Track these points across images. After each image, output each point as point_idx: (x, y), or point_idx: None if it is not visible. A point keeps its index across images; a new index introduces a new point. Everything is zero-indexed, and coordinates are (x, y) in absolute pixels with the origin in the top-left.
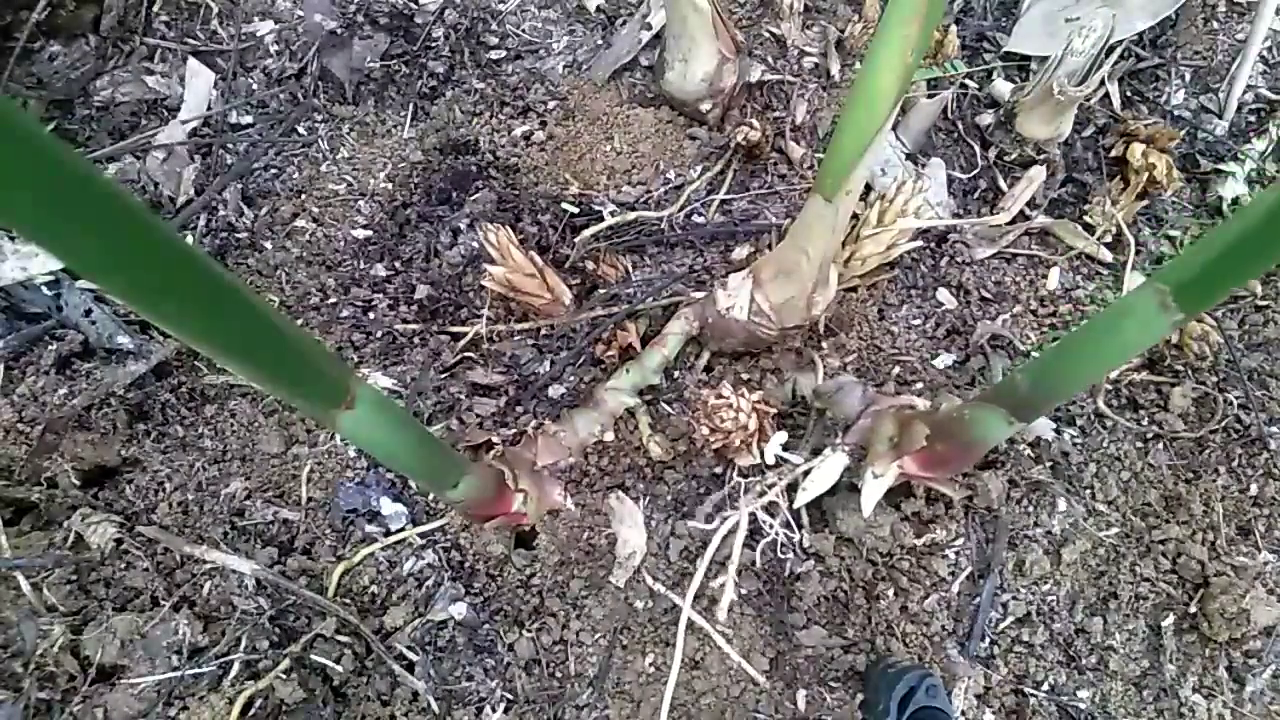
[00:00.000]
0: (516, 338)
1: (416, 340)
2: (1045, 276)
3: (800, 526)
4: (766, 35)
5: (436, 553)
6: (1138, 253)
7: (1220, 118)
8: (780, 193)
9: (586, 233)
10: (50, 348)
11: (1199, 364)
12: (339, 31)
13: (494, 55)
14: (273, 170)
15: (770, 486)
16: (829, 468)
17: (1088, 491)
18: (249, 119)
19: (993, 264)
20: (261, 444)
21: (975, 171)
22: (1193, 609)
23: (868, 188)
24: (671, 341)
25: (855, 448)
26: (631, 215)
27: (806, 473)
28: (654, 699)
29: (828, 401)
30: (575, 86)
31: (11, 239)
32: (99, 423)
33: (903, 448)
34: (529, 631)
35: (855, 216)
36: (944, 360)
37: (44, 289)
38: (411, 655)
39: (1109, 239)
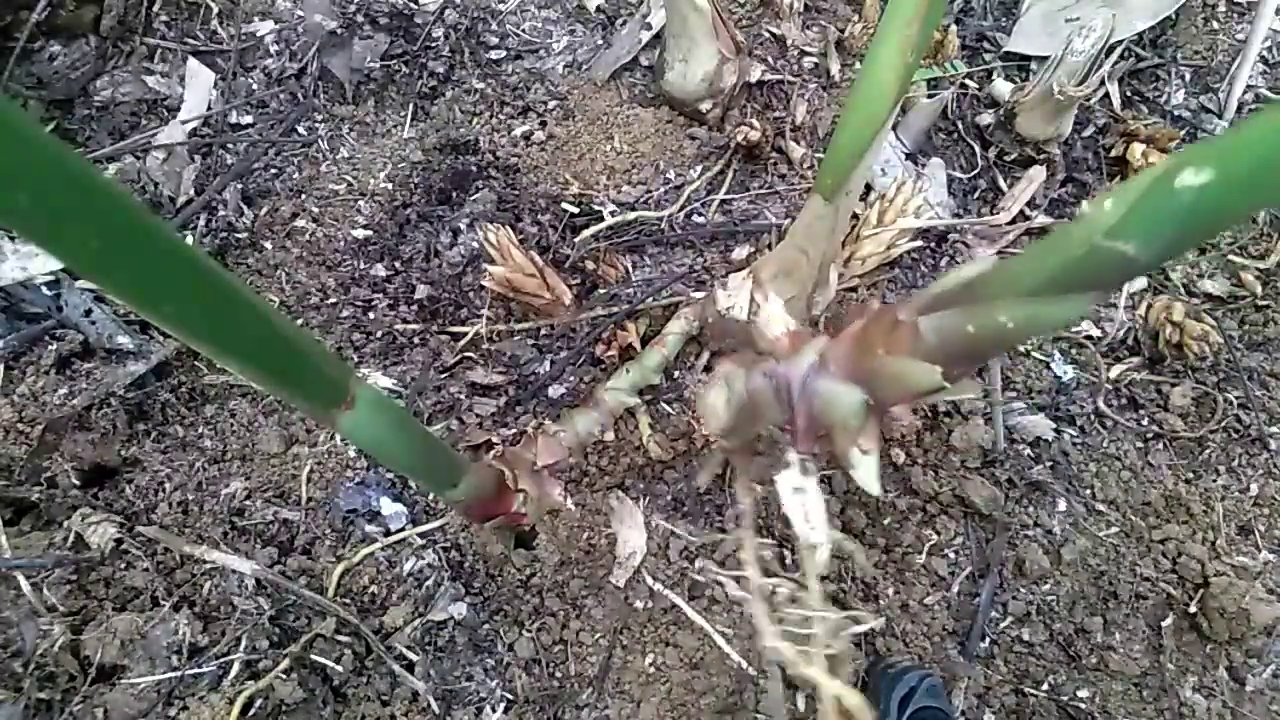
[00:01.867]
0: (516, 338)
1: (416, 340)
2: None
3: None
4: (766, 35)
5: (436, 553)
6: None
7: (1220, 118)
8: (780, 193)
9: (586, 233)
10: (50, 348)
11: (1199, 364)
12: (339, 31)
13: (494, 55)
14: (273, 170)
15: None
16: (800, 500)
17: (1088, 491)
18: (249, 119)
19: None
20: (261, 444)
21: (975, 171)
22: (1193, 609)
23: (868, 188)
24: (671, 341)
25: (808, 453)
26: (631, 215)
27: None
28: (654, 699)
29: (742, 419)
30: (575, 86)
31: (11, 239)
32: (99, 423)
33: (887, 406)
34: (529, 631)
35: (855, 216)
36: None
37: (44, 289)
38: (411, 655)
39: None
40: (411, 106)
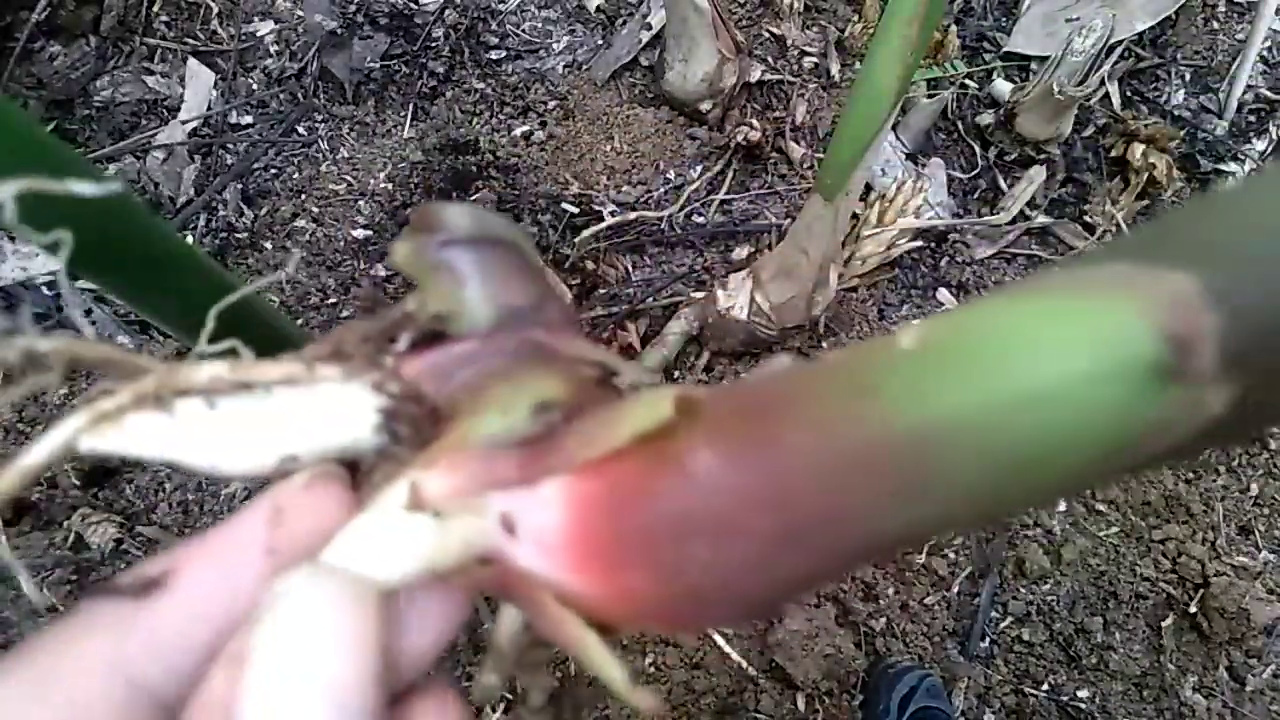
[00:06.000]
0: None
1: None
2: None
3: None
4: (766, 35)
5: None
6: None
7: (1220, 118)
8: (780, 193)
9: (586, 233)
10: None
11: None
12: (339, 31)
13: (494, 55)
14: (273, 170)
15: None
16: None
17: (1088, 491)
18: (249, 119)
19: (993, 264)
20: None
21: (975, 171)
22: (1193, 609)
23: (868, 188)
24: (671, 341)
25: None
26: (631, 215)
27: None
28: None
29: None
30: (575, 86)
31: (11, 239)
32: None
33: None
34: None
35: (855, 216)
36: None
37: (44, 289)
38: None
39: (1109, 239)
40: (411, 106)
